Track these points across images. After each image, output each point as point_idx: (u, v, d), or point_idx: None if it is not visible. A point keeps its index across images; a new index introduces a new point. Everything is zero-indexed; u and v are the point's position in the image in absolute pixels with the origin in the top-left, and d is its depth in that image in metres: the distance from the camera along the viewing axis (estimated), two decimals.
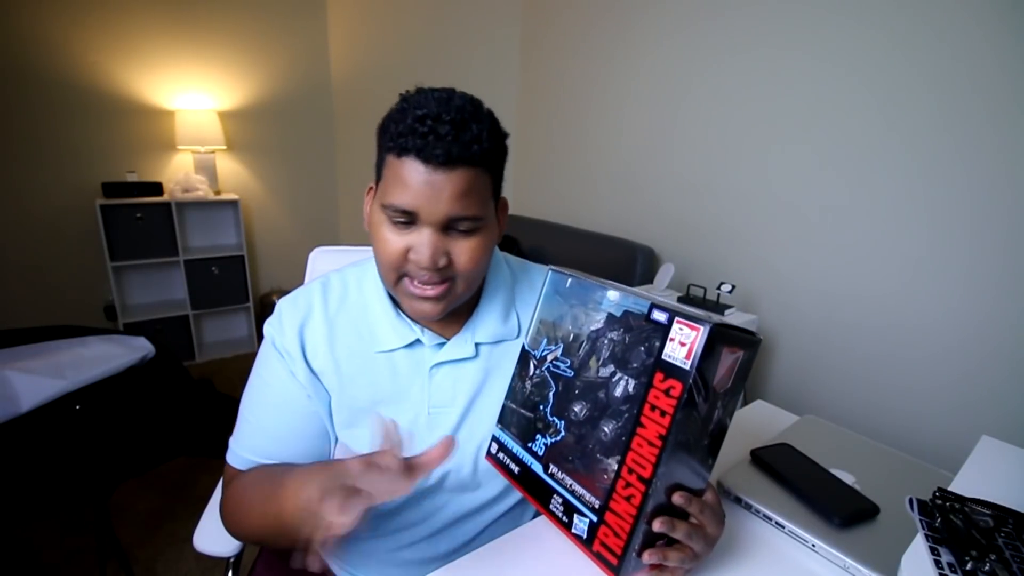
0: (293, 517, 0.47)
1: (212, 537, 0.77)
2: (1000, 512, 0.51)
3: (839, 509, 0.62)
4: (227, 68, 2.65)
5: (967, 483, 0.57)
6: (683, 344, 0.45)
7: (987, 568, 0.44)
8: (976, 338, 1.37)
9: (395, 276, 0.58)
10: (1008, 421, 1.33)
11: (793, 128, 1.68)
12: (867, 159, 1.52)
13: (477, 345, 0.66)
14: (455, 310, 0.66)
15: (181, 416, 1.59)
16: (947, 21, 1.33)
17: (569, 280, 0.58)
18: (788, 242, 1.74)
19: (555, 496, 0.54)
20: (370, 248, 0.61)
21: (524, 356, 0.61)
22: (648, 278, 2.04)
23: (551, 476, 0.55)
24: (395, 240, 0.56)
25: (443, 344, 0.66)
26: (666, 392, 0.46)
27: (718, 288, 1.68)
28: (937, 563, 0.46)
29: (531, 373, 0.60)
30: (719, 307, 1.69)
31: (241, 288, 2.76)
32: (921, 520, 0.51)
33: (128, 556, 1.48)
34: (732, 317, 1.67)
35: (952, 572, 0.45)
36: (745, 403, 0.98)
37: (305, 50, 2.85)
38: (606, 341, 0.53)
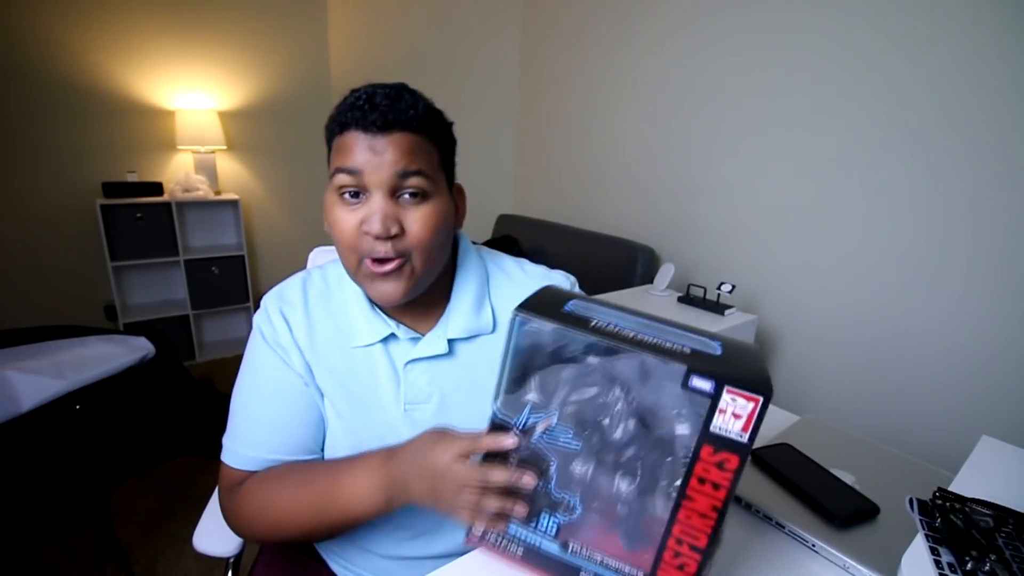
0: (361, 511, 0.55)
1: (212, 537, 0.77)
2: (1000, 512, 0.51)
3: (839, 509, 0.62)
4: (227, 68, 2.65)
5: (967, 483, 0.57)
6: (738, 416, 0.41)
7: (987, 568, 0.44)
8: (977, 338, 1.37)
9: (355, 259, 0.59)
10: (1008, 421, 1.33)
11: (794, 128, 1.68)
12: (867, 159, 1.52)
13: (451, 342, 0.66)
14: (429, 304, 0.67)
15: (181, 416, 1.59)
16: (948, 21, 1.33)
17: (551, 327, 0.45)
18: (788, 242, 1.74)
19: (583, 573, 0.50)
20: None
21: (499, 427, 0.49)
22: (648, 278, 2.04)
23: (574, 553, 0.50)
24: (348, 218, 0.58)
25: (418, 339, 0.66)
26: (719, 466, 0.43)
27: (718, 288, 1.68)
28: (937, 563, 0.46)
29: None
30: (719, 307, 1.69)
31: (241, 288, 2.76)
32: (921, 520, 0.51)
33: (128, 556, 1.48)
34: (732, 317, 1.67)
35: (952, 572, 0.45)
36: None
37: (305, 50, 2.85)
38: (606, 395, 0.45)
